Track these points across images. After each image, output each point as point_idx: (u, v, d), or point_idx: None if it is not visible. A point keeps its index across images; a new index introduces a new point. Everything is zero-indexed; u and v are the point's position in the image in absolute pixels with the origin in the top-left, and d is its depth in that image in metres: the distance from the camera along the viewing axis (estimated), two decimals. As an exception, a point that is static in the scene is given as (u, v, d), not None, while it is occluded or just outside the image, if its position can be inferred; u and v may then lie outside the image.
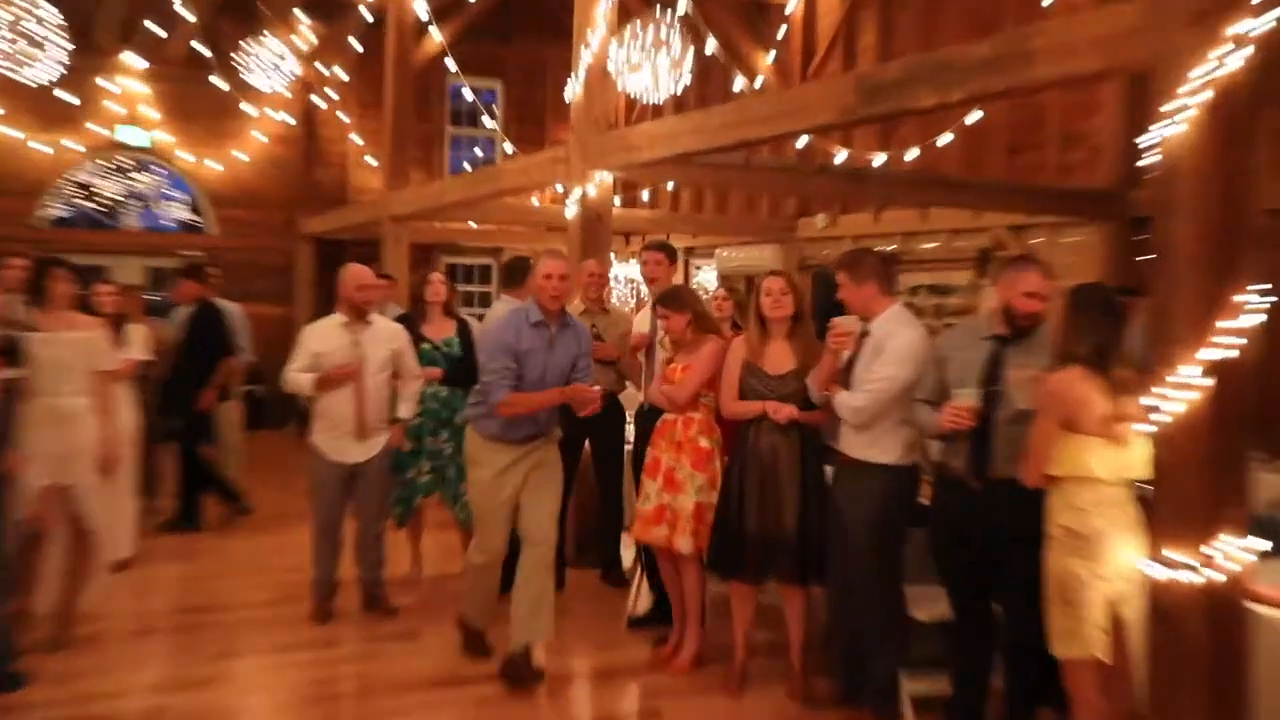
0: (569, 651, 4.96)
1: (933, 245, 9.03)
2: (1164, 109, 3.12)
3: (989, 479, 3.71)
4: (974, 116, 7.47)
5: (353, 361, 5.01)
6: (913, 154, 7.62)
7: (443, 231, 11.59)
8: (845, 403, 4.07)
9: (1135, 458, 3.26)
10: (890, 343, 4.01)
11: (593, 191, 6.36)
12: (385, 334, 5.20)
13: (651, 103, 7.32)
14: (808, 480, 4.32)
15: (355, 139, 12.40)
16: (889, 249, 8.81)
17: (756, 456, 4.36)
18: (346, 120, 12.39)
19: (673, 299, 4.74)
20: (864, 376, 4.05)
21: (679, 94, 7.48)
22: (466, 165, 13.43)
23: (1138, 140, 3.26)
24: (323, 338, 5.09)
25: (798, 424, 4.33)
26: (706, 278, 11.91)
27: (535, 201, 10.91)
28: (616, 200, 8.70)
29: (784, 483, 4.33)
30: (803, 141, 7.32)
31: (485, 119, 10.90)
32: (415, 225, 9.93)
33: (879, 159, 7.45)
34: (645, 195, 11.03)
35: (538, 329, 4.46)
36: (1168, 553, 3.10)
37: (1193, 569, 3.06)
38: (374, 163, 12.01)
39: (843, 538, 4.15)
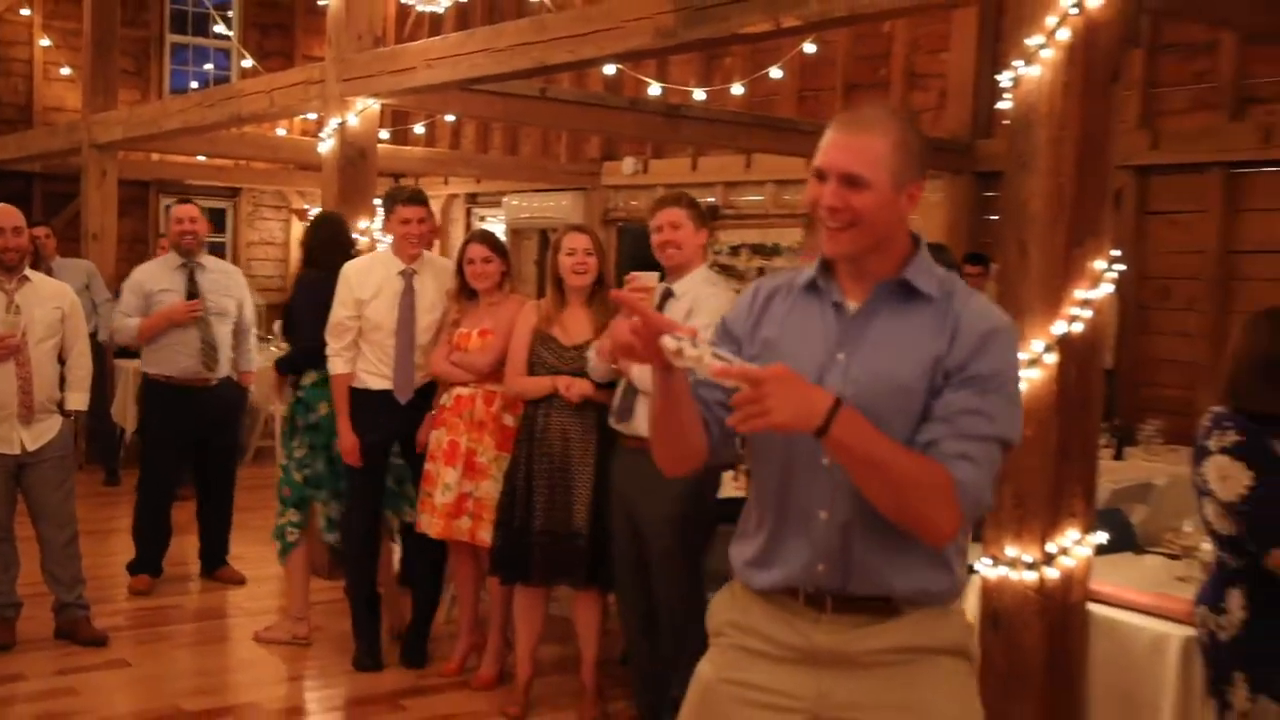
0: (323, 676, 5.20)
1: (758, 198, 9.49)
2: (1019, 48, 3.45)
3: None
4: (810, 49, 7.80)
5: (9, 332, 5.16)
6: (738, 90, 7.91)
7: (163, 165, 11.55)
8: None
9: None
10: (704, 305, 4.25)
11: (354, 122, 6.58)
12: (48, 292, 5.40)
13: (429, 11, 7.18)
14: (603, 470, 4.55)
15: (44, 42, 12.20)
16: (708, 201, 9.30)
17: (545, 442, 4.59)
18: (30, 16, 12.12)
19: (496, 241, 5.02)
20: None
21: (464, 0, 7.47)
22: (194, 83, 13.05)
23: (997, 77, 3.52)
24: None
25: (594, 404, 4.56)
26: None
27: (282, 132, 11.19)
28: (384, 134, 8.94)
29: (576, 472, 4.57)
30: (611, 70, 7.48)
31: (217, 26, 10.62)
32: (127, 157, 9.83)
33: (699, 95, 7.72)
34: (421, 129, 11.04)
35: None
36: (1008, 550, 3.38)
37: (1030, 567, 3.31)
38: (69, 74, 11.85)
39: (636, 537, 4.42)
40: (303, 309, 5.39)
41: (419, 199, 5.32)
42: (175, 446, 6.38)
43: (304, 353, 5.38)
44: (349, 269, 5.34)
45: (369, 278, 5.21)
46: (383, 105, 6.66)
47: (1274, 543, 3.04)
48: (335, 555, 6.12)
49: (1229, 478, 3.07)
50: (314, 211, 7.81)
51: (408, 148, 10.95)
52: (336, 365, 5.15)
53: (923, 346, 2.18)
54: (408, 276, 5.16)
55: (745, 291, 2.40)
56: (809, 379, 2.12)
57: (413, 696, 4.93)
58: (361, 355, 5.18)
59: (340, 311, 5.16)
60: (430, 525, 4.96)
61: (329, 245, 5.50)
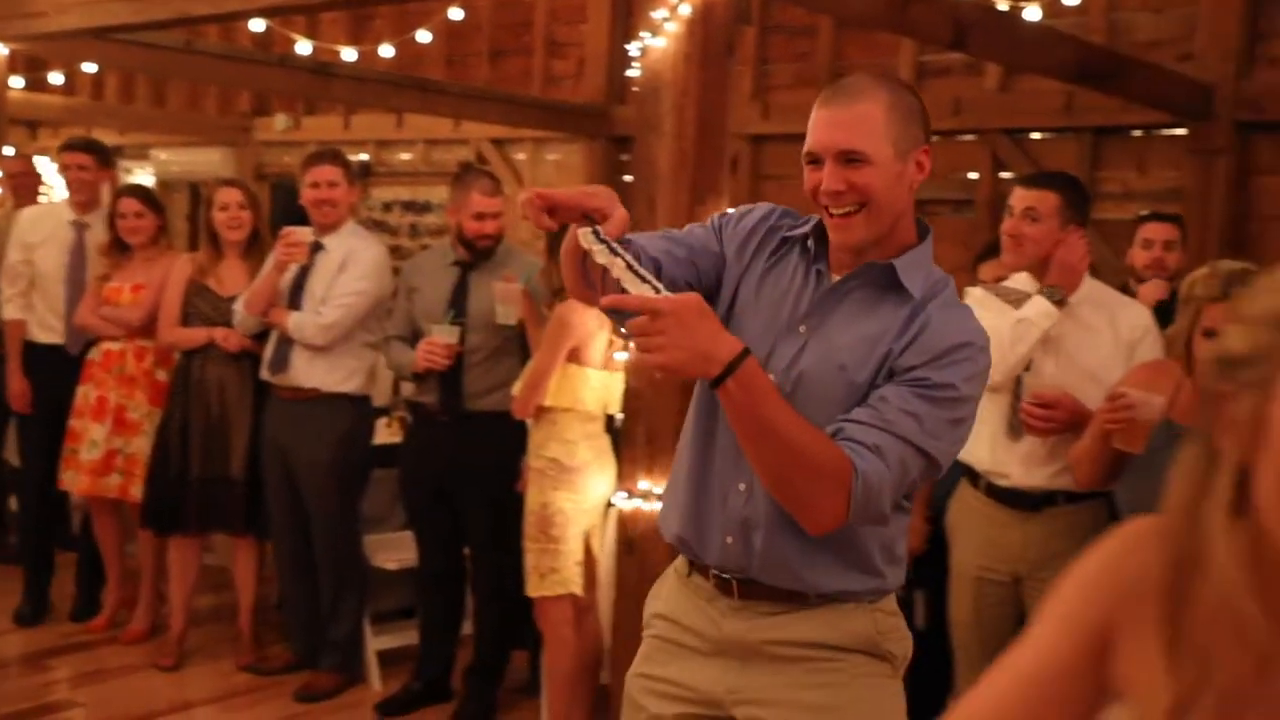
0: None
1: (409, 156, 9.35)
2: (646, 21, 3.53)
3: (462, 414, 4.02)
4: (457, 14, 7.72)
5: None
6: (387, 51, 7.72)
7: None
8: (310, 322, 4.23)
9: (618, 389, 3.68)
10: (358, 256, 4.29)
11: (-22, 68, 6.01)
12: None
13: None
14: (258, 419, 4.50)
15: None
16: (361, 158, 9.08)
17: (202, 392, 4.49)
18: None
19: (149, 195, 4.90)
20: (330, 293, 4.25)
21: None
22: None
23: (627, 47, 3.65)
24: None
25: (250, 354, 4.49)
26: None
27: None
28: (17, 82, 8.34)
29: (233, 421, 4.49)
30: (260, 26, 7.11)
31: None
32: None
33: (349, 54, 7.46)
34: (59, 78, 10.07)
35: None
36: (640, 483, 3.48)
37: (660, 498, 3.62)
38: None
39: (291, 484, 4.37)
40: None
41: (77, 146, 5.19)
42: None
43: None
44: (23, 214, 5.28)
45: (40, 224, 5.10)
46: (13, 50, 6.01)
47: None
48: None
49: None
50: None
51: (44, 96, 9.77)
52: (9, 311, 4.98)
53: (882, 344, 1.89)
54: (79, 228, 4.97)
55: (760, 206, 2.14)
56: (763, 341, 1.91)
57: (57, 656, 4.69)
58: (33, 307, 4.98)
59: (12, 255, 5.03)
60: (75, 482, 4.76)
61: None
